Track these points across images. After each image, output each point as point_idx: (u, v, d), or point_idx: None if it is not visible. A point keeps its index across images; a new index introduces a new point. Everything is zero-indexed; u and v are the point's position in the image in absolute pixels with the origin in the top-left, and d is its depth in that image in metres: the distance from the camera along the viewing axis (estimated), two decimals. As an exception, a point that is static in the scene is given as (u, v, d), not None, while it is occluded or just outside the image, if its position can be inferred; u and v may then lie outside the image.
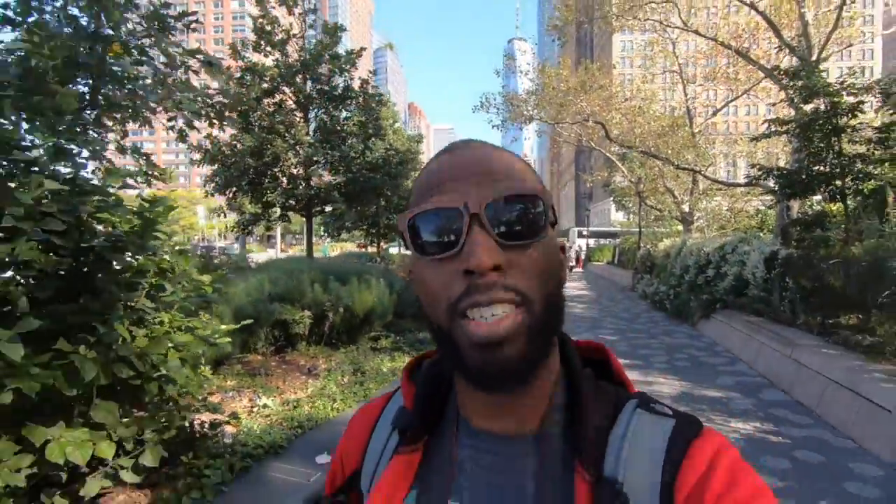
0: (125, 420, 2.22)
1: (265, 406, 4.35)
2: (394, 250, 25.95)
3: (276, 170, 10.54)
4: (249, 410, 4.36)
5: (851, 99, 7.42)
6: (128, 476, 2.26)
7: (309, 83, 11.28)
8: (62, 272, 2.21)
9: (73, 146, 2.26)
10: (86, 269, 2.24)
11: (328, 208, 12.57)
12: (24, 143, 2.21)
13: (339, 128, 11.50)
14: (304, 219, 11.96)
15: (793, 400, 5.22)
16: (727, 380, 6.03)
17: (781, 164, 14.44)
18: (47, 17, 3.50)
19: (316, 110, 11.62)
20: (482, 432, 0.51)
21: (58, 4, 3.07)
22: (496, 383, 0.45)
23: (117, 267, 2.18)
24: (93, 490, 2.24)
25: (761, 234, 12.32)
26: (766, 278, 7.73)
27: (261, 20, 11.00)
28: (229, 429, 3.73)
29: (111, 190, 2.43)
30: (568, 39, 19.26)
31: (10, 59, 2.55)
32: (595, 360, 0.56)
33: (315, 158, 10.45)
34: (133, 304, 2.46)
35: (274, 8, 11.07)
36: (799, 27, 12.94)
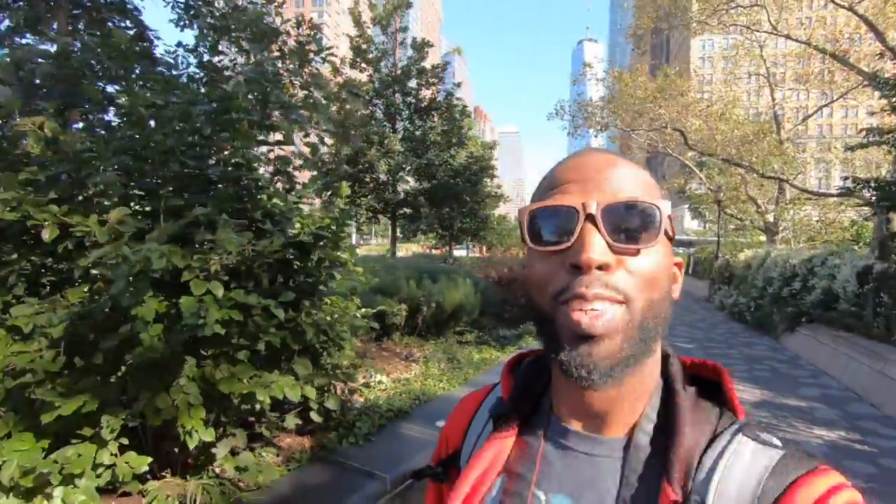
0: (315, 372, 2.97)
1: (380, 382, 5.10)
2: (460, 253, 26.47)
3: (368, 176, 11.60)
4: (367, 385, 5.11)
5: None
6: (315, 416, 3.01)
7: (398, 96, 12.26)
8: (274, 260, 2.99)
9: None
10: (289, 258, 3.02)
11: (408, 211, 13.51)
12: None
13: (424, 137, 12.39)
14: (388, 220, 12.98)
15: (882, 414, 5.23)
16: (811, 391, 6.07)
17: (882, 172, 13.56)
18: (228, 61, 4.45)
19: (404, 121, 12.60)
20: (571, 430, 0.53)
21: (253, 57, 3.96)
22: (588, 376, 0.45)
23: (314, 257, 2.93)
24: (291, 423, 3.02)
25: (856, 248, 11.70)
26: (857, 293, 7.54)
27: (357, 38, 12.10)
28: (357, 398, 4.49)
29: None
30: (646, 50, 19.06)
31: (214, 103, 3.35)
32: (704, 379, 0.55)
33: (403, 166, 11.38)
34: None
35: (369, 28, 12.14)
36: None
